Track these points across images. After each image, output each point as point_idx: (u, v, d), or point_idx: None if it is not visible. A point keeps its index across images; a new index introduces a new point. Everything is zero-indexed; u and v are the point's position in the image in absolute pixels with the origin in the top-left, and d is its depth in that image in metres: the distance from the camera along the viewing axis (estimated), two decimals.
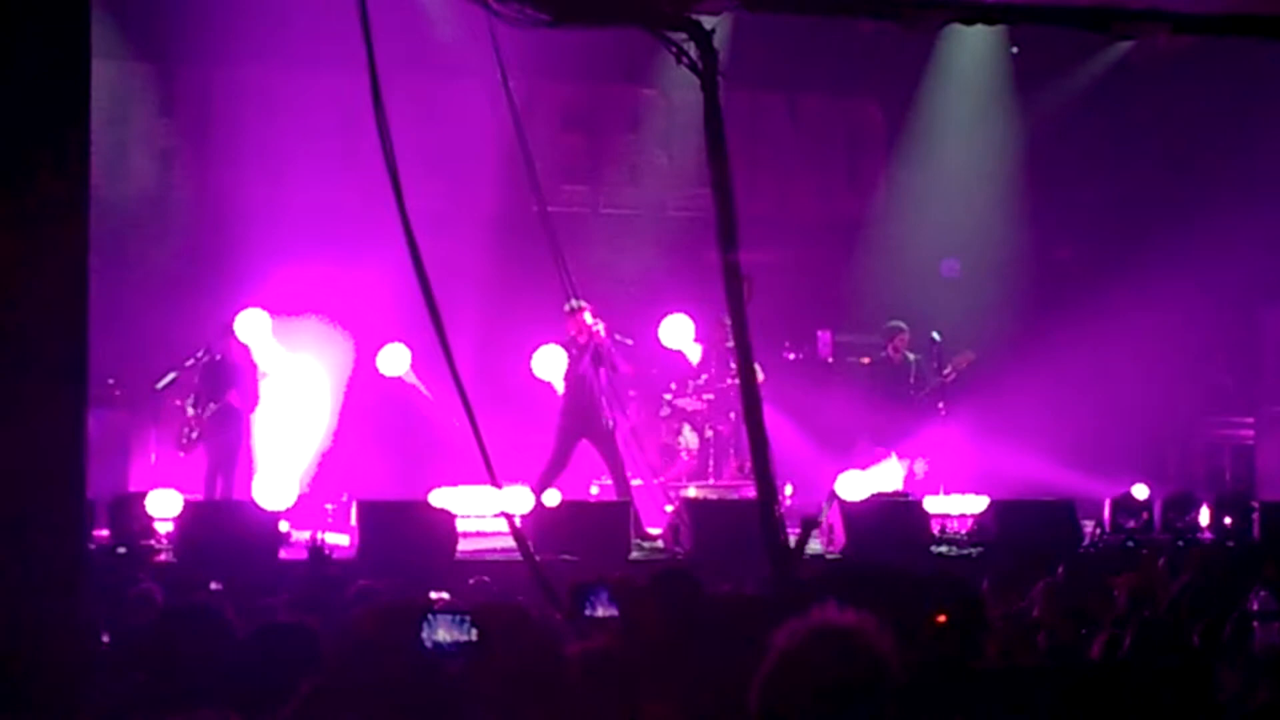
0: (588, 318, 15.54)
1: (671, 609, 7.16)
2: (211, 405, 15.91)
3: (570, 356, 15.78)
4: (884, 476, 16.96)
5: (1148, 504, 15.80)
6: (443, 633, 5.69)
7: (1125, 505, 15.71)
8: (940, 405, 17.28)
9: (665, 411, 17.99)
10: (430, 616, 5.72)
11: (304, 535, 14.63)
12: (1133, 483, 16.01)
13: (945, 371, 17.28)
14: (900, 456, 17.23)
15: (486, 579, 10.75)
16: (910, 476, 17.20)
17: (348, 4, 8.96)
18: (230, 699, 5.46)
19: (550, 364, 16.34)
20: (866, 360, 18.60)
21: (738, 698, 3.79)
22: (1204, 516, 15.72)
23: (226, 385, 15.94)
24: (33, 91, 6.10)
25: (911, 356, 17.41)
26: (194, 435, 15.97)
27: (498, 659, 5.80)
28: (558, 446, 15.78)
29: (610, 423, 15.63)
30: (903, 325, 17.54)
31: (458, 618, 5.80)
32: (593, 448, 15.83)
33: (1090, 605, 10.11)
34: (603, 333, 15.62)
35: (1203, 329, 19.77)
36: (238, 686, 5.80)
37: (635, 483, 16.09)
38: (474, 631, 5.74)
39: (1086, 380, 18.94)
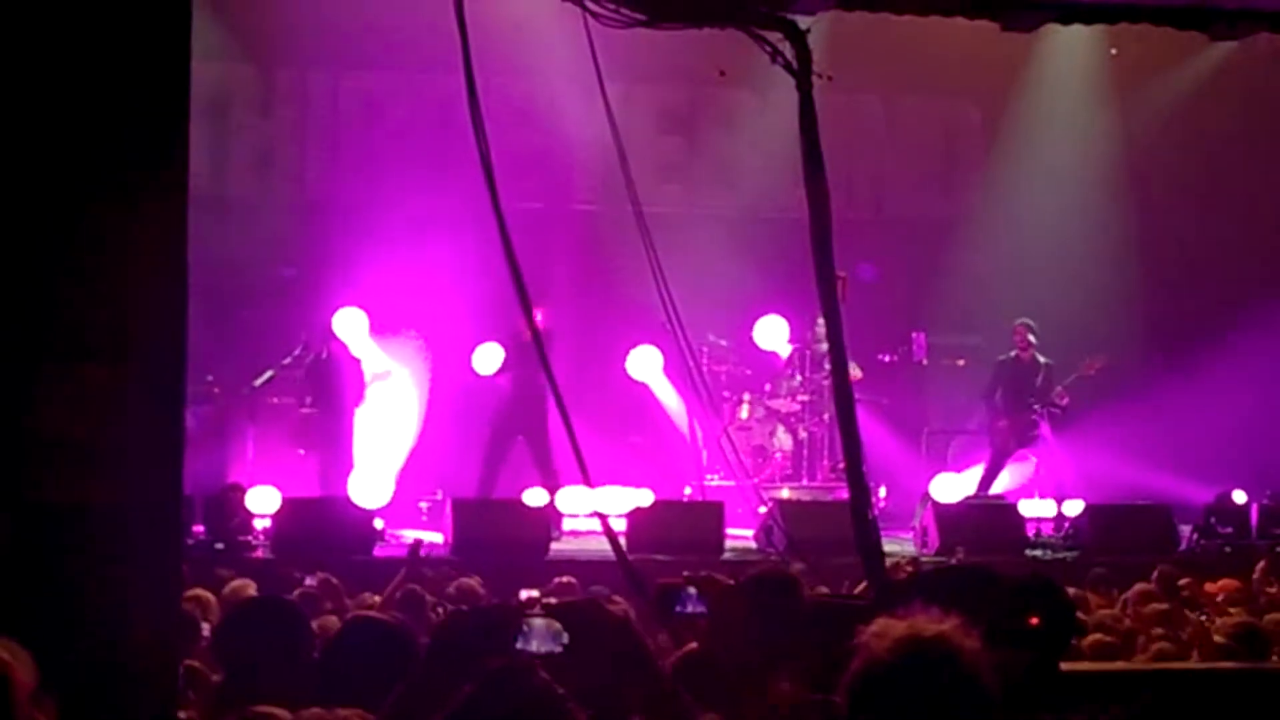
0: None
1: (766, 610, 7.13)
2: (315, 403, 16.12)
3: (510, 352, 15.84)
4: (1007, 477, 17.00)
5: (1246, 509, 15.64)
6: (534, 639, 5.66)
7: (1223, 510, 15.57)
8: (1037, 420, 17.02)
9: (759, 413, 17.96)
10: (524, 623, 5.70)
11: (399, 533, 14.74)
12: (1233, 488, 15.85)
13: (1056, 393, 16.99)
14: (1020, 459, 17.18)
15: (571, 579, 10.77)
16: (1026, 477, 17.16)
17: (445, 7, 9.01)
18: (312, 693, 5.46)
19: (644, 363, 16.37)
20: (962, 362, 18.52)
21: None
22: None
23: (331, 383, 16.07)
24: (134, 91, 6.17)
25: (1042, 359, 17.19)
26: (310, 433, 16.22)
27: (584, 659, 5.78)
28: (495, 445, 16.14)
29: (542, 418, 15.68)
30: (1025, 321, 17.31)
31: (547, 623, 5.77)
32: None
33: (1186, 610, 10.04)
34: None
35: None
36: (320, 681, 5.81)
37: (725, 483, 16.10)
38: (564, 635, 5.71)
39: (1187, 383, 18.70)
